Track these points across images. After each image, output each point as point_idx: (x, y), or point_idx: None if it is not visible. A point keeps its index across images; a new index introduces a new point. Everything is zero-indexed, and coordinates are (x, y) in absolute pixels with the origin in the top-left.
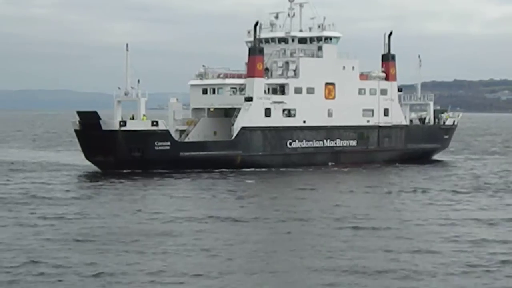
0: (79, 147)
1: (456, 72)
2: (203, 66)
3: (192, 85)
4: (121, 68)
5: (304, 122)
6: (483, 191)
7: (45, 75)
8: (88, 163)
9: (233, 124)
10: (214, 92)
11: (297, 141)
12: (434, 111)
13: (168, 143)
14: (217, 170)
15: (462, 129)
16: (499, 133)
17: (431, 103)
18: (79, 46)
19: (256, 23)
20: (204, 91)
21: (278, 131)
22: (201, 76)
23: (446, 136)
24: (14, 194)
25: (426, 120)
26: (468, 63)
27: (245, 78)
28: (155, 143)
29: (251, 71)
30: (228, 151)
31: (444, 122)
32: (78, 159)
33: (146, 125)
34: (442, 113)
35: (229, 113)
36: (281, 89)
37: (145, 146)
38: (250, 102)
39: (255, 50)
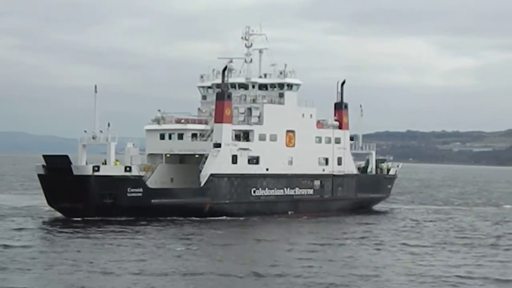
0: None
1: (409, 123)
2: (159, 110)
3: (148, 130)
4: (73, 111)
5: (267, 169)
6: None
7: None
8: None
9: (200, 171)
10: (171, 138)
11: (260, 189)
12: (376, 160)
13: (141, 190)
14: (184, 219)
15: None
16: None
17: (374, 153)
18: (34, 88)
19: (225, 68)
20: (162, 137)
21: (244, 178)
22: (157, 120)
23: (390, 186)
24: None
25: (368, 170)
26: (421, 114)
27: (205, 123)
28: (128, 190)
29: (219, 117)
30: (197, 199)
31: (387, 172)
32: (37, 203)
33: (119, 171)
34: (382, 162)
35: (184, 160)
36: (244, 136)
37: (118, 192)
38: (219, 149)
39: (224, 95)
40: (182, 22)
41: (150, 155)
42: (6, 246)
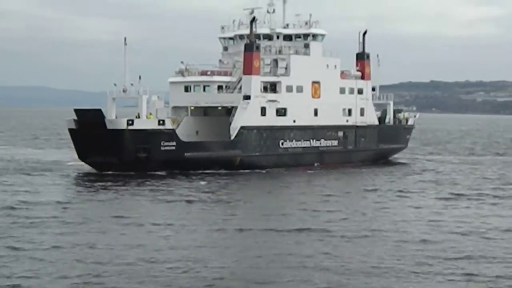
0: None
1: (433, 73)
2: (182, 62)
3: (172, 82)
4: (95, 64)
5: (294, 121)
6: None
7: (19, 72)
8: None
9: (230, 123)
10: (198, 90)
11: (288, 141)
12: (394, 111)
13: (174, 143)
14: (215, 172)
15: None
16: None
17: (391, 103)
18: (54, 42)
19: (253, 19)
20: (186, 89)
21: (272, 130)
22: (181, 72)
23: (408, 136)
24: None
25: (386, 120)
26: (445, 64)
27: (229, 75)
28: (161, 143)
29: (248, 69)
30: (229, 152)
31: (406, 122)
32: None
33: (153, 124)
34: (399, 112)
35: (208, 112)
36: (271, 87)
37: (152, 146)
38: (248, 101)
39: (252, 47)
40: None
41: (175, 107)
42: (32, 203)
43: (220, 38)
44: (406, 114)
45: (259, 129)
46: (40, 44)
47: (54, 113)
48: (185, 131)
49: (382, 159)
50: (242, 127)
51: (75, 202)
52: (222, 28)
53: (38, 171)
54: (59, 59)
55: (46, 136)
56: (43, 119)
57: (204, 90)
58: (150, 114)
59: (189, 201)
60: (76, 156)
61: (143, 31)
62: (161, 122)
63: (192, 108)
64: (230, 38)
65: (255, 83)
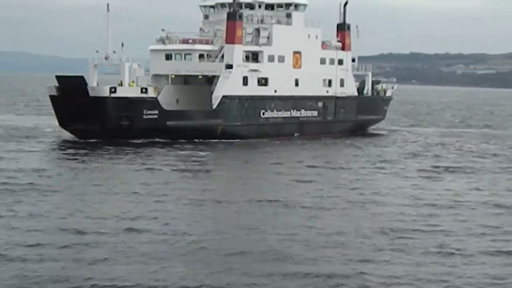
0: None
1: (413, 45)
2: (163, 30)
3: (153, 50)
4: (81, 31)
5: (275, 91)
6: None
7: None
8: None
9: (212, 92)
10: (179, 58)
11: (269, 111)
12: (372, 82)
13: (156, 112)
14: (196, 141)
15: None
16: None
17: (370, 74)
18: (34, 9)
19: None
20: (168, 57)
21: (254, 100)
22: (162, 40)
23: (386, 108)
24: None
25: (365, 92)
26: (425, 36)
27: (211, 44)
28: (144, 112)
29: (231, 38)
30: (210, 121)
31: (385, 93)
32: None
33: (135, 92)
34: (377, 84)
35: (188, 81)
36: (253, 57)
37: (134, 114)
38: (230, 70)
39: (235, 15)
40: None
41: (155, 75)
42: (8, 170)
43: (201, 6)
44: (384, 86)
45: (241, 98)
46: (20, 9)
47: (35, 79)
48: (166, 99)
49: (360, 130)
50: (224, 96)
51: (52, 169)
52: None
53: (15, 138)
54: (45, 26)
55: (25, 102)
56: (23, 85)
57: (185, 58)
58: (133, 82)
59: (168, 171)
60: (55, 123)
61: None
62: (143, 90)
63: (173, 76)
64: (211, 7)
65: (237, 52)
